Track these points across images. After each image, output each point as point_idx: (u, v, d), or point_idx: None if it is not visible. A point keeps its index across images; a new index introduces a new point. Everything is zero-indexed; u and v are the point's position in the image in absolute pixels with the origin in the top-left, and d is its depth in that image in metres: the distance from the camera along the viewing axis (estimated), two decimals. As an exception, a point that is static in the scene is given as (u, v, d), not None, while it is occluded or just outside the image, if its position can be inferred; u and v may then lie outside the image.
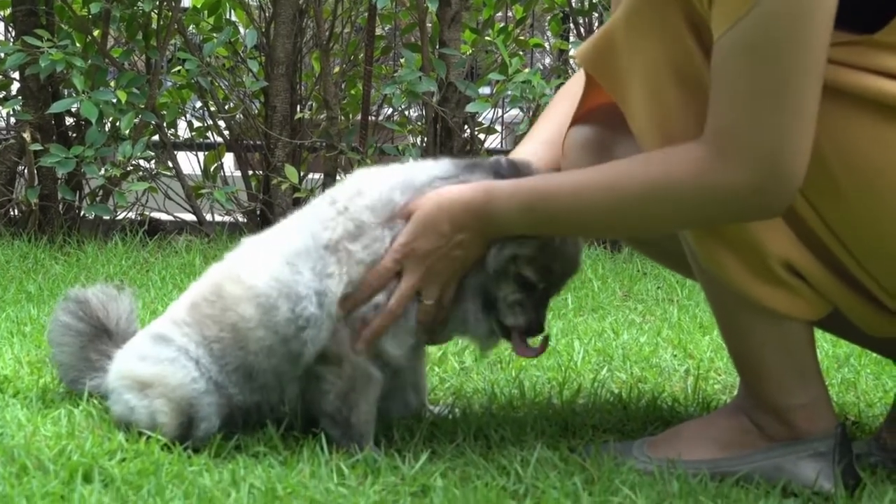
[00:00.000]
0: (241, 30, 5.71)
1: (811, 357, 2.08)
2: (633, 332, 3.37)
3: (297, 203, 4.98)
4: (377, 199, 2.14)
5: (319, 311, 2.11)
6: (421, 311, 2.13)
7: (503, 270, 2.10)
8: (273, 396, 2.22)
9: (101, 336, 2.45)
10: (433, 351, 3.00)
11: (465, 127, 5.53)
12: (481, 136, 5.78)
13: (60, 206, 5.35)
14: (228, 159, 5.93)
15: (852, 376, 2.81)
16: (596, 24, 5.65)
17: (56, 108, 5.11)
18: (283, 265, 2.14)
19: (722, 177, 1.84)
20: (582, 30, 5.77)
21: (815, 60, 1.79)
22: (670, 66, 1.90)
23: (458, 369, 2.85)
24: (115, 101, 4.99)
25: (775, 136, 1.81)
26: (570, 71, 5.65)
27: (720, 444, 2.11)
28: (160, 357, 2.21)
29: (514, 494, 1.96)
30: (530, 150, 2.30)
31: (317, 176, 5.61)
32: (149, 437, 2.13)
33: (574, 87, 2.31)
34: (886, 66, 1.83)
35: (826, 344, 3.05)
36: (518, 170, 2.12)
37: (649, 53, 1.91)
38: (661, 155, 1.92)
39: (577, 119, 2.18)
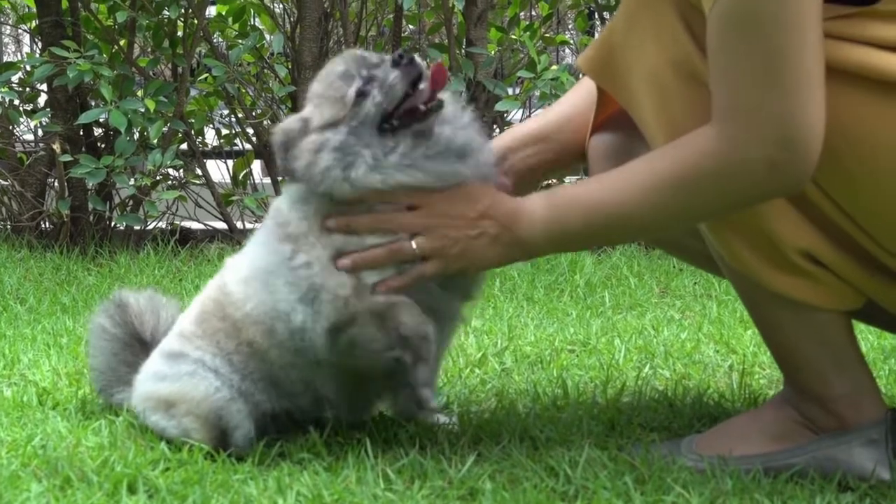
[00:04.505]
0: (267, 35, 5.70)
1: (848, 345, 2.05)
2: (674, 329, 3.33)
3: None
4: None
5: (308, 312, 2.06)
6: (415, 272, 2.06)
7: None
8: (303, 402, 2.19)
9: (132, 345, 2.42)
10: (472, 353, 2.98)
11: (495, 126, 5.50)
12: (511, 134, 5.73)
13: (91, 217, 5.35)
14: (257, 166, 5.92)
15: (900, 367, 2.77)
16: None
17: (85, 118, 5.10)
18: (264, 287, 2.11)
19: (735, 156, 1.81)
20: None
21: (808, 23, 1.74)
22: (670, 65, 1.90)
23: (498, 370, 2.82)
24: (143, 109, 4.98)
25: (781, 106, 1.77)
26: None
27: (771, 437, 2.08)
28: (179, 373, 2.18)
29: (563, 496, 1.94)
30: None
31: (346, 180, 5.57)
32: (192, 447, 2.10)
33: (576, 93, 2.32)
34: (887, 39, 1.78)
35: (871, 336, 3.01)
36: None
37: (649, 55, 1.92)
38: (672, 147, 1.89)
39: (597, 126, 2.18)
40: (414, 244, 2.02)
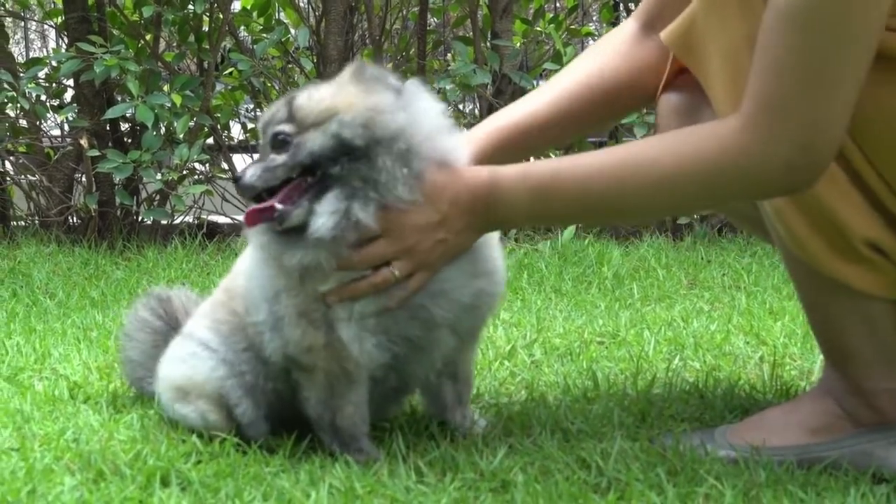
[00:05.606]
0: (292, 29, 5.70)
1: None
2: (703, 321, 3.31)
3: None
4: None
5: (272, 334, 2.06)
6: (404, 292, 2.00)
7: None
8: (285, 387, 2.14)
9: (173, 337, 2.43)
10: (502, 345, 2.97)
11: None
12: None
13: (119, 212, 5.37)
14: (283, 159, 5.91)
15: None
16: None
17: (111, 113, 5.12)
18: (249, 271, 2.13)
19: (758, 152, 1.77)
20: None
21: (865, 33, 1.71)
22: (748, 40, 1.84)
23: (528, 363, 2.81)
24: (169, 104, 5.00)
25: (817, 111, 1.74)
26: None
27: (807, 430, 2.06)
28: (183, 355, 2.22)
29: (596, 488, 1.92)
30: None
31: (372, 173, 5.57)
32: (223, 440, 2.11)
33: (567, 77, 2.28)
34: None
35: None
36: None
37: (729, 28, 1.87)
38: (692, 133, 1.87)
39: (668, 84, 2.15)
40: (394, 270, 1.97)
